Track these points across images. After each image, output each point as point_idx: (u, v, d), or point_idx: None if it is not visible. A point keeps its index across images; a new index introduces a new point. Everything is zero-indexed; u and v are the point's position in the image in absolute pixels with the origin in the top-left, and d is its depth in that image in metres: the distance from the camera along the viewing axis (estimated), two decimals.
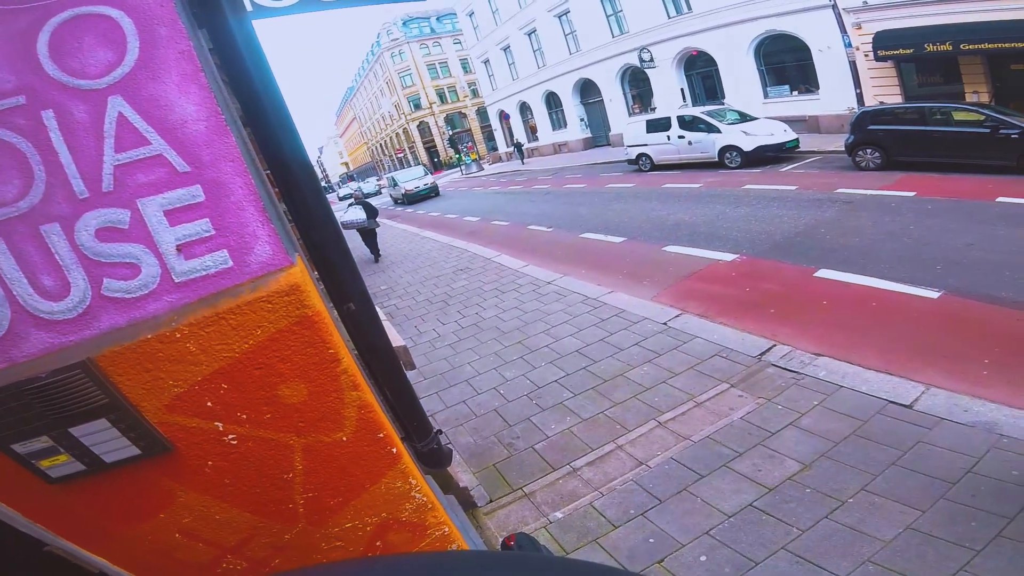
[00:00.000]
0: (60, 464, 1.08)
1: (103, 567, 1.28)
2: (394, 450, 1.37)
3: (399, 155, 63.06)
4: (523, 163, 30.44)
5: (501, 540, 1.67)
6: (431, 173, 27.80)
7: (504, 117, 35.98)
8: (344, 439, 1.28)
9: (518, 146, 31.84)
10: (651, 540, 2.79)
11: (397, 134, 62.25)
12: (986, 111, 8.88)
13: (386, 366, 1.57)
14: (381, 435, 1.32)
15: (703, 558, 2.62)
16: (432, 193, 26.16)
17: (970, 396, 3.32)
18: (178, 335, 1.04)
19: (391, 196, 29.98)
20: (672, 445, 3.48)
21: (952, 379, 3.58)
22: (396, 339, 2.40)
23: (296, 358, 1.14)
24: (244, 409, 1.15)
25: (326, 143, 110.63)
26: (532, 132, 33.01)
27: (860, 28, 13.60)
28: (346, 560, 1.43)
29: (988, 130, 8.48)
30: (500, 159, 39.71)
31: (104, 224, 0.96)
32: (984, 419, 3.08)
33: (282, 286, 1.08)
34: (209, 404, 1.12)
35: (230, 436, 1.17)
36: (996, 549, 2.31)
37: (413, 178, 27.40)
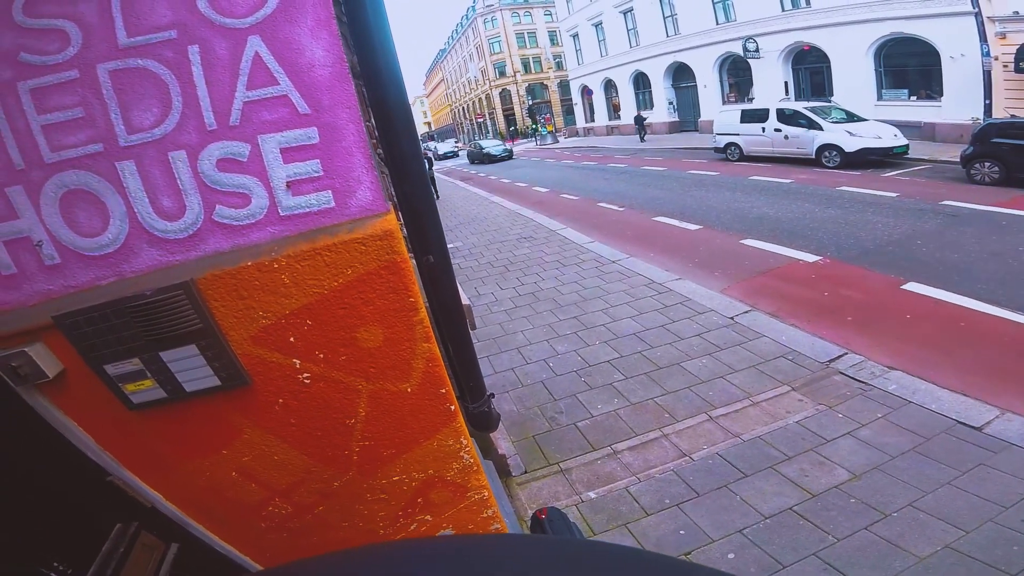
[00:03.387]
0: (143, 390, 1.12)
1: (156, 501, 1.31)
2: (451, 408, 1.38)
3: (479, 120, 63.11)
4: (642, 140, 25.94)
5: (532, 513, 1.71)
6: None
7: (587, 93, 35.19)
8: (408, 390, 1.30)
9: (639, 120, 26.54)
10: (681, 532, 2.78)
11: (480, 99, 62.28)
12: None
13: (454, 322, 1.59)
14: (443, 391, 1.34)
15: (731, 556, 2.60)
16: None
17: None
18: (276, 265, 1.09)
19: None
20: (720, 441, 3.41)
21: None
22: (463, 297, 2.45)
23: (379, 302, 1.18)
24: (323, 348, 1.19)
25: (412, 102, 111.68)
26: (615, 110, 32.03)
27: (1004, 38, 12.44)
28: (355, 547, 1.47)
29: None
30: (577, 133, 38.82)
31: (225, 155, 1.02)
32: None
33: (376, 231, 1.11)
34: (292, 339, 1.16)
35: (304, 375, 1.20)
36: None
37: None
